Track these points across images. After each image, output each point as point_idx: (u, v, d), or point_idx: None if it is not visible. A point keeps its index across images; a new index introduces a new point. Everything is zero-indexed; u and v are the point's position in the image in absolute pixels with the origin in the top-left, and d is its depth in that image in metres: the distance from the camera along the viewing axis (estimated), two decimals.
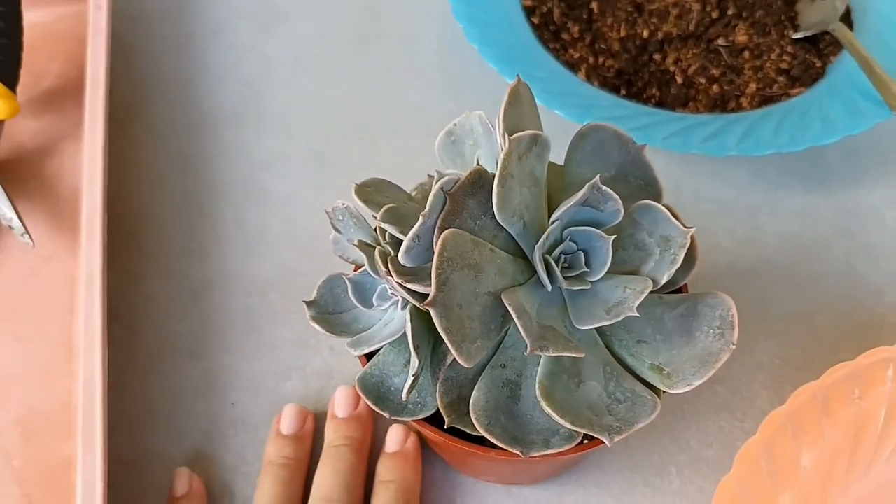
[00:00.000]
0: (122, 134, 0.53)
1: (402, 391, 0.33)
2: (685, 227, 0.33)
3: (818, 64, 0.54)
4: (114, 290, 0.47)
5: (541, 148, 0.32)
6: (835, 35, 0.54)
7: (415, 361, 0.31)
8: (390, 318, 0.34)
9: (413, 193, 0.37)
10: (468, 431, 0.33)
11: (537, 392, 0.31)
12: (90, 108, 0.50)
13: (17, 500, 0.43)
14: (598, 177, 0.31)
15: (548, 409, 0.31)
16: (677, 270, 0.33)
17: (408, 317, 0.31)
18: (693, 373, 0.33)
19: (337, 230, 0.35)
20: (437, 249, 0.29)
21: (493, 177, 0.30)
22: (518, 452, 0.31)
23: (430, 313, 0.30)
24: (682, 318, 0.34)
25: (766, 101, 0.53)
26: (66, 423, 0.44)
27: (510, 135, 0.30)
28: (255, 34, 0.59)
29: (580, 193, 0.31)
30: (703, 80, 0.53)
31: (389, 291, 0.33)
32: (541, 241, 0.31)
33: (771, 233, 0.50)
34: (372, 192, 0.34)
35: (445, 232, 0.29)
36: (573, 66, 0.54)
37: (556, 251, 0.32)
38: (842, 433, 0.41)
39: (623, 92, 0.53)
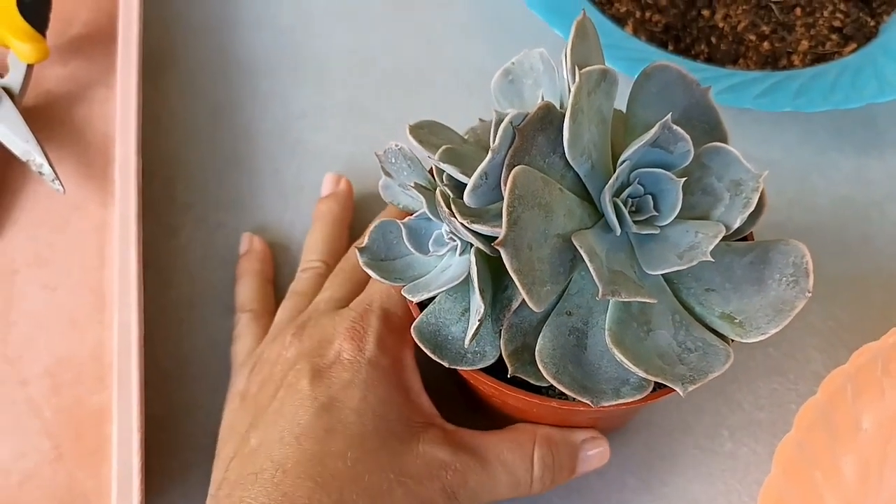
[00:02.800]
0: (153, 82, 0.51)
1: (459, 339, 0.32)
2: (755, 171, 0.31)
3: (871, 23, 0.52)
4: (147, 240, 0.45)
5: (609, 84, 0.30)
6: None
7: (480, 306, 0.29)
8: (447, 264, 0.33)
9: (466, 136, 0.35)
10: (531, 381, 0.31)
11: (608, 339, 0.30)
12: (123, 54, 0.49)
13: (47, 451, 0.41)
14: (668, 115, 0.29)
15: (620, 357, 0.29)
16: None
17: (473, 259, 0.30)
18: (767, 321, 0.31)
19: (388, 174, 0.34)
20: (507, 187, 0.28)
21: (562, 113, 0.29)
22: (588, 402, 0.30)
23: (495, 257, 0.29)
24: (751, 266, 0.32)
25: (819, 59, 0.51)
26: (96, 373, 0.43)
27: (579, 69, 0.29)
28: None
29: (651, 132, 0.29)
30: (753, 37, 0.52)
31: (447, 236, 0.31)
32: (610, 182, 0.30)
33: (822, 195, 0.49)
34: (426, 133, 0.32)
35: (516, 168, 0.28)
36: (619, 20, 0.52)
37: (624, 194, 0.30)
38: None
39: (671, 47, 0.51)
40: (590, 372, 0.31)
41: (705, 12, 0.53)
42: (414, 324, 0.32)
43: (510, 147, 0.28)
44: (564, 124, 0.28)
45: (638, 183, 0.31)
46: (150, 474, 0.39)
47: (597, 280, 0.28)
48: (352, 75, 0.53)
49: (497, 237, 0.28)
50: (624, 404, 0.30)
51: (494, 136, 0.29)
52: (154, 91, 0.51)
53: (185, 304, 0.45)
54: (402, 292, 0.32)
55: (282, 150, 0.50)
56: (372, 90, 0.52)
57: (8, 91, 0.47)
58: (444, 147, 0.30)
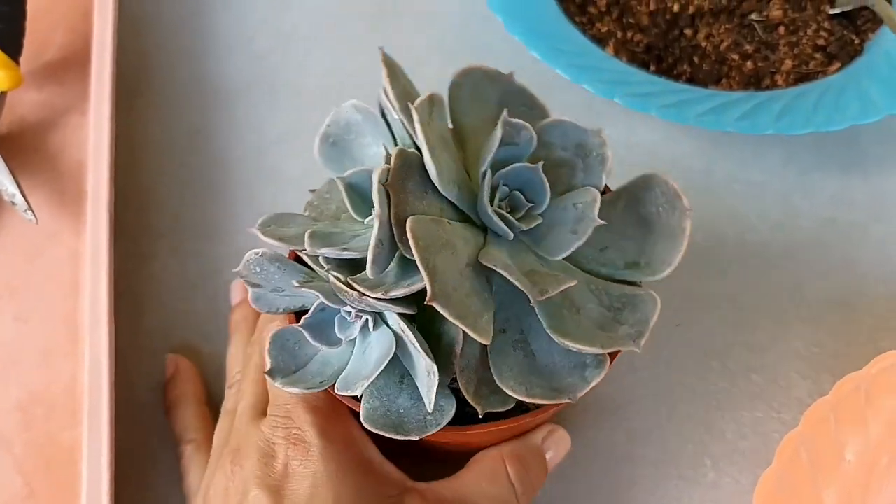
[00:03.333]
0: (128, 107, 0.51)
1: (411, 409, 0.31)
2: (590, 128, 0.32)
3: (856, 41, 0.52)
4: (120, 269, 0.44)
5: (439, 107, 0.31)
6: (874, 10, 0.52)
7: (431, 366, 0.29)
8: (364, 344, 0.32)
9: (307, 213, 0.35)
10: (499, 409, 0.31)
11: (553, 335, 0.29)
12: (96, 79, 0.48)
13: (18, 488, 0.41)
14: (504, 111, 0.30)
15: (572, 345, 0.29)
16: None
17: (402, 326, 0.29)
18: (668, 251, 0.32)
19: (256, 285, 0.33)
20: (411, 242, 0.27)
21: (414, 153, 0.29)
22: (568, 400, 0.30)
23: (416, 314, 0.29)
24: (627, 211, 0.33)
25: (803, 78, 0.50)
26: (69, 408, 0.42)
27: (411, 104, 0.29)
28: (268, 7, 0.56)
29: (497, 133, 0.30)
30: (736, 57, 0.51)
31: (352, 317, 0.30)
32: (484, 195, 0.30)
33: (805, 216, 0.48)
34: (276, 228, 0.32)
35: (410, 221, 0.27)
36: (600, 41, 0.51)
37: (496, 200, 0.30)
38: (886, 426, 0.39)
39: (653, 68, 0.51)
40: (551, 373, 0.31)
41: (688, 31, 0.52)
42: (362, 415, 0.31)
43: (389, 206, 0.28)
44: (426, 162, 0.28)
45: (503, 184, 0.30)
46: None
47: (523, 288, 0.28)
48: (329, 99, 0.52)
49: (414, 294, 0.28)
50: (597, 385, 0.30)
51: (352, 203, 0.30)
52: (128, 117, 0.51)
53: (159, 332, 0.44)
54: (335, 392, 0.31)
55: (258, 176, 0.49)
56: None
57: None
58: (308, 232, 0.30)
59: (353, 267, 0.29)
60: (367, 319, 0.30)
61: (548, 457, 0.38)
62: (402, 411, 0.31)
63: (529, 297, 0.28)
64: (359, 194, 0.31)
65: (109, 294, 0.42)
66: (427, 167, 0.29)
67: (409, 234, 0.27)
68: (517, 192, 0.30)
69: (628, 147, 0.50)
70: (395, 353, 0.30)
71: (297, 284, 0.30)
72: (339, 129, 0.34)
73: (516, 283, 0.28)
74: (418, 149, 0.29)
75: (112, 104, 0.47)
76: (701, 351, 0.44)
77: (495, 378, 0.30)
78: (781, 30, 0.52)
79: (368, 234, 0.29)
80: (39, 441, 0.42)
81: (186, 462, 0.40)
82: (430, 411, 0.30)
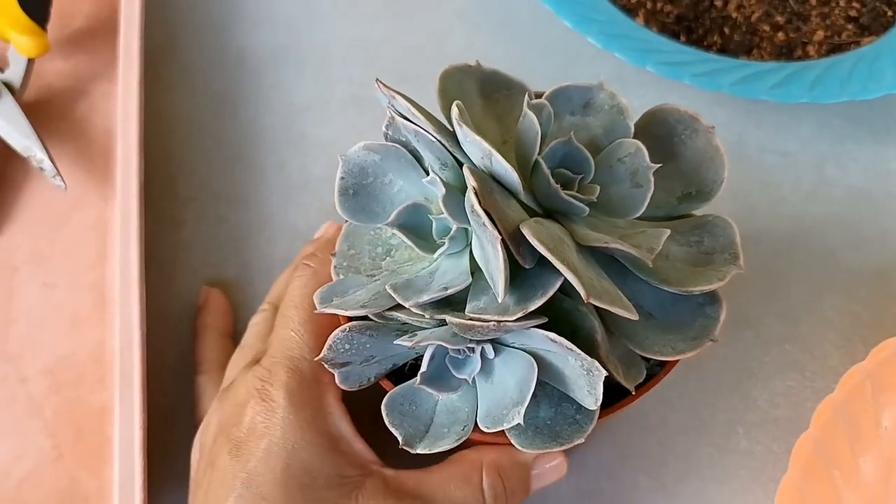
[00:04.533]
0: (155, 76, 0.51)
1: (557, 417, 0.30)
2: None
3: (889, 12, 0.51)
4: (149, 236, 0.44)
5: (464, 115, 0.29)
6: None
7: (592, 363, 0.27)
8: (491, 375, 0.30)
9: (341, 276, 0.32)
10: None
11: (667, 288, 0.29)
12: (124, 48, 0.48)
13: (47, 451, 0.41)
14: (525, 98, 0.29)
15: (691, 289, 0.29)
16: None
17: (553, 337, 0.27)
18: (712, 172, 0.31)
19: (345, 364, 0.31)
20: (540, 247, 0.26)
21: (479, 168, 0.28)
22: (710, 341, 0.30)
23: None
24: (652, 151, 0.30)
25: (834, 49, 0.50)
26: (97, 372, 0.42)
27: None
28: None
29: (532, 120, 0.28)
30: (767, 28, 0.50)
31: (462, 355, 0.29)
32: (550, 182, 0.28)
33: (839, 186, 0.48)
34: (338, 302, 0.30)
35: (525, 227, 0.26)
36: (630, 11, 0.51)
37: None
38: None
39: (683, 38, 0.50)
40: (678, 325, 0.30)
41: (718, 2, 0.52)
42: (521, 447, 0.29)
43: (495, 223, 0.26)
44: (504, 169, 0.27)
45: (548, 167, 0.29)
46: (153, 475, 0.38)
47: (637, 254, 0.27)
48: (355, 67, 0.52)
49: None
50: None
51: (414, 243, 0.29)
52: (156, 85, 0.50)
53: (187, 299, 0.44)
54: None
55: (286, 144, 0.49)
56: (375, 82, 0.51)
57: (8, 86, 0.47)
58: (391, 286, 0.28)
59: (445, 305, 0.28)
60: (482, 349, 0.29)
61: (534, 474, 0.35)
62: (549, 422, 0.29)
63: (641, 259, 0.27)
64: (414, 232, 0.29)
65: (140, 259, 0.42)
66: (503, 175, 0.27)
67: (534, 241, 0.25)
68: (562, 170, 0.29)
69: None
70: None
71: (409, 344, 0.28)
72: (355, 177, 0.31)
73: (629, 252, 0.27)
74: (460, 163, 0.28)
75: (140, 73, 0.47)
76: (734, 320, 0.44)
77: (637, 350, 0.30)
78: (813, 0, 0.52)
79: (443, 266, 0.28)
80: (68, 405, 0.42)
81: (198, 391, 0.41)
82: (593, 408, 0.28)
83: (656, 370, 0.32)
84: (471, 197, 0.25)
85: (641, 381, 0.31)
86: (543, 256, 0.26)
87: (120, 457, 0.38)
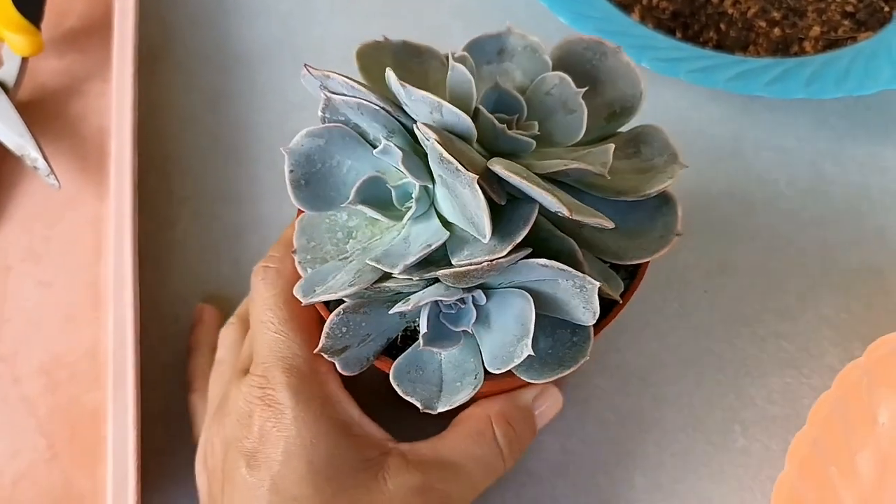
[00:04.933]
0: (150, 73, 0.50)
1: (556, 344, 0.30)
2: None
3: (885, 8, 0.51)
4: (143, 234, 0.44)
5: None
6: None
7: (584, 279, 0.28)
8: (488, 319, 0.30)
9: (309, 269, 0.32)
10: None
11: (617, 199, 0.30)
12: (118, 45, 0.48)
13: (41, 451, 0.40)
14: (450, 56, 0.30)
15: (641, 194, 0.29)
16: None
17: (551, 264, 0.27)
18: (626, 87, 0.33)
19: (343, 349, 0.31)
20: (516, 180, 0.26)
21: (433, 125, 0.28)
22: (678, 234, 0.30)
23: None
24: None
25: (831, 45, 0.50)
26: (92, 371, 0.42)
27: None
28: None
29: (463, 73, 0.29)
30: (763, 24, 0.50)
31: (455, 309, 0.29)
32: (496, 125, 0.29)
33: (836, 183, 0.48)
34: (321, 290, 0.30)
35: (496, 164, 0.27)
36: (626, 7, 0.51)
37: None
38: None
39: (679, 35, 0.50)
40: (641, 229, 0.31)
41: None
42: (528, 379, 0.29)
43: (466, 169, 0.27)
44: (459, 117, 0.27)
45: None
46: (147, 474, 0.38)
47: (596, 170, 0.28)
48: (351, 64, 0.51)
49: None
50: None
51: (382, 212, 0.29)
52: (150, 83, 0.50)
53: (181, 298, 0.44)
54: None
55: (281, 140, 0.48)
56: None
57: (2, 85, 0.47)
58: (374, 258, 0.28)
59: (429, 264, 0.28)
60: (473, 297, 0.29)
61: (537, 413, 0.36)
62: (550, 351, 0.30)
63: (598, 174, 0.28)
64: (377, 205, 0.29)
65: (134, 257, 0.41)
66: (456, 123, 0.27)
67: (507, 174, 0.26)
68: (498, 115, 0.30)
69: (654, 114, 0.49)
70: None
71: (409, 307, 0.28)
72: (303, 167, 0.30)
73: (588, 168, 0.27)
74: (405, 127, 0.29)
75: (134, 71, 0.47)
76: (729, 317, 0.44)
77: (614, 261, 0.31)
78: None
79: (414, 230, 0.28)
80: (63, 404, 0.41)
81: (192, 410, 0.40)
82: (592, 322, 0.29)
83: (627, 283, 0.32)
84: (437, 147, 0.26)
85: (622, 290, 0.31)
86: (512, 192, 0.27)
87: (114, 456, 0.37)
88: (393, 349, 0.32)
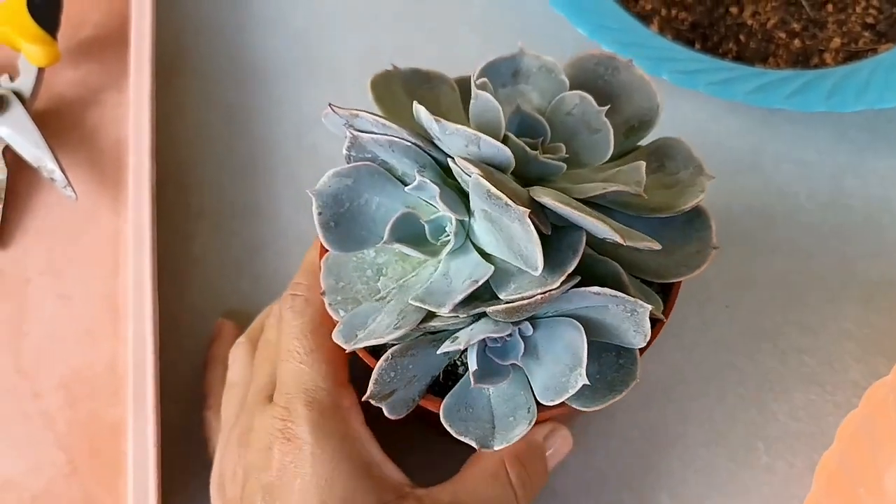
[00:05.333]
0: (166, 86, 0.50)
1: (604, 369, 0.29)
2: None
3: None
4: (161, 248, 0.44)
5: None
6: None
7: (636, 303, 0.27)
8: (537, 350, 0.29)
9: (344, 312, 0.31)
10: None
11: (652, 216, 0.30)
12: (135, 57, 0.48)
13: (61, 466, 0.40)
14: (473, 80, 0.30)
15: (672, 212, 0.30)
16: None
17: (606, 292, 0.27)
18: (641, 100, 0.33)
19: (390, 394, 0.30)
20: (564, 209, 0.26)
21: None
22: (715, 248, 0.31)
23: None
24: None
25: (851, 56, 0.49)
26: (112, 386, 0.42)
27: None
28: None
29: (487, 100, 0.29)
30: (783, 35, 0.50)
31: (500, 342, 0.28)
32: (527, 151, 0.29)
33: (857, 196, 0.47)
34: (363, 336, 0.29)
35: (540, 192, 0.27)
36: (645, 18, 0.50)
37: None
38: None
39: (698, 46, 0.50)
40: (675, 245, 0.31)
41: (733, 9, 0.51)
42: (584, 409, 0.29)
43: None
44: (498, 149, 0.27)
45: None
46: (167, 489, 0.38)
47: (632, 190, 0.28)
48: (367, 78, 0.51)
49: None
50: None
51: (417, 248, 0.28)
52: (167, 95, 0.50)
53: (200, 313, 0.44)
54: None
55: (298, 155, 0.48)
56: None
57: (19, 95, 0.46)
58: (414, 300, 0.27)
59: (474, 299, 0.28)
60: (520, 329, 0.28)
61: (548, 454, 0.36)
62: (598, 377, 0.29)
63: (634, 194, 0.28)
64: (412, 241, 0.28)
65: (153, 272, 0.41)
66: (495, 154, 0.27)
67: (556, 205, 0.26)
68: (524, 139, 0.29)
69: (672, 127, 0.49)
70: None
71: (461, 346, 0.27)
72: (331, 208, 0.29)
73: (625, 189, 0.27)
74: (436, 160, 0.28)
75: (152, 82, 0.46)
76: (751, 331, 0.44)
77: (656, 280, 0.31)
78: (829, 7, 0.51)
79: (452, 264, 0.28)
80: (82, 419, 0.41)
81: (206, 427, 0.40)
82: (642, 344, 0.28)
83: (662, 298, 0.32)
84: (483, 183, 0.25)
85: (662, 308, 0.31)
86: (554, 221, 0.27)
87: (134, 472, 0.37)
88: (434, 386, 0.32)
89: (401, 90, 0.32)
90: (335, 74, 0.52)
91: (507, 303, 0.26)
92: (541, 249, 0.25)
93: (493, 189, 0.25)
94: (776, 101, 0.45)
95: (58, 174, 0.45)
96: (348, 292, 0.31)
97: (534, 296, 0.26)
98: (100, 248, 0.45)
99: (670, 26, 0.50)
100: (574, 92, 0.31)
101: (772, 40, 0.50)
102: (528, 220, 0.25)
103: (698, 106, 0.49)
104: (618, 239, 0.25)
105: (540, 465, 0.35)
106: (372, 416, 0.33)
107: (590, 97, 0.31)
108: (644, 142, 0.33)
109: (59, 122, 0.49)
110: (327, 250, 0.31)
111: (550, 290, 0.26)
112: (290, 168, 0.48)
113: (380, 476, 0.33)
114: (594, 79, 0.33)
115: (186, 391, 0.42)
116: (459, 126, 0.26)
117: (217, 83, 0.51)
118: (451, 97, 0.33)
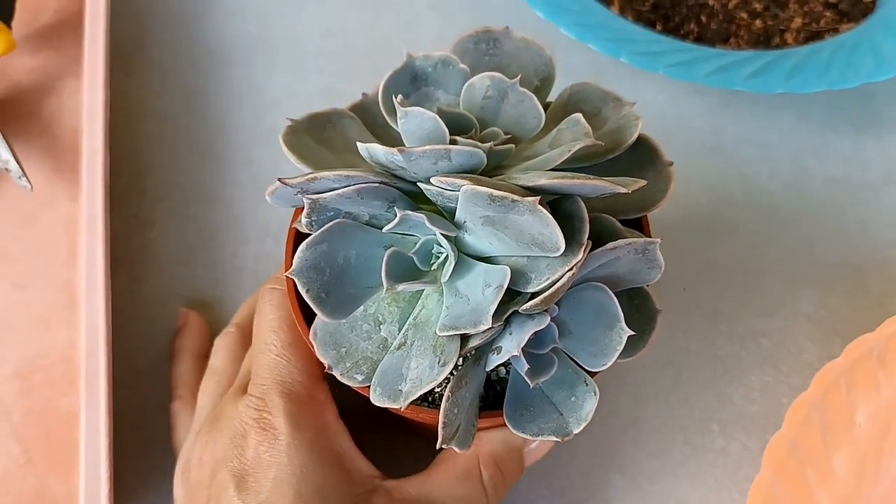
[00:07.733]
0: (123, 71, 0.50)
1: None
2: None
3: None
4: (116, 235, 0.44)
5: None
6: None
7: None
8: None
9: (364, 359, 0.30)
10: None
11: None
12: (90, 43, 0.47)
13: (16, 456, 0.40)
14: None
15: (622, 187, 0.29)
16: None
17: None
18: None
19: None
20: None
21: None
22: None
23: None
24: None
25: (813, 36, 0.49)
26: (67, 375, 0.42)
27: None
28: None
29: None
30: (744, 15, 0.50)
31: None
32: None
33: (817, 177, 0.47)
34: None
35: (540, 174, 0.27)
36: (606, 0, 0.50)
37: None
38: None
39: (659, 27, 0.49)
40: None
41: None
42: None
43: None
44: (470, 152, 0.27)
45: None
46: (121, 477, 0.38)
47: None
48: (326, 59, 0.51)
49: None
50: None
51: (406, 280, 0.27)
52: (123, 81, 0.50)
53: (156, 299, 0.44)
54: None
55: (256, 139, 0.48)
56: (348, 74, 0.50)
57: None
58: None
59: (503, 302, 0.27)
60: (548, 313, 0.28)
61: (526, 452, 0.36)
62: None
63: (593, 144, 0.28)
64: (409, 277, 0.28)
65: (106, 260, 0.41)
66: (468, 159, 0.27)
67: (555, 183, 0.26)
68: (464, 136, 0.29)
69: None
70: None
71: (516, 354, 0.27)
72: (316, 282, 0.28)
73: (587, 144, 0.28)
74: (404, 191, 0.28)
75: (106, 68, 0.46)
76: (708, 314, 0.43)
77: (631, 216, 0.31)
78: None
79: (458, 282, 0.28)
80: (38, 408, 0.41)
81: (173, 418, 0.40)
82: (661, 269, 0.28)
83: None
84: (482, 190, 0.25)
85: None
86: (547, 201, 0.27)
87: (86, 461, 0.37)
88: (428, 395, 0.31)
89: (309, 140, 0.31)
90: (293, 56, 0.51)
91: (538, 294, 0.26)
92: (560, 230, 0.25)
93: (496, 192, 0.25)
94: (736, 82, 0.45)
95: (12, 164, 0.44)
96: (355, 355, 0.30)
97: (563, 275, 0.26)
98: (56, 235, 0.45)
99: (631, 7, 0.50)
100: (481, 75, 0.30)
101: (733, 21, 0.50)
102: (541, 207, 0.25)
103: (659, 88, 0.49)
104: (620, 190, 0.26)
105: (516, 465, 0.35)
106: (342, 412, 0.34)
107: (499, 75, 0.30)
108: (551, 97, 0.33)
109: (15, 111, 0.48)
110: (302, 239, 0.29)
111: (577, 263, 0.26)
112: (248, 153, 0.48)
113: (351, 468, 0.33)
114: (480, 57, 0.33)
115: (142, 377, 0.42)
116: (425, 147, 0.26)
117: (175, 68, 0.51)
118: (356, 127, 0.32)
